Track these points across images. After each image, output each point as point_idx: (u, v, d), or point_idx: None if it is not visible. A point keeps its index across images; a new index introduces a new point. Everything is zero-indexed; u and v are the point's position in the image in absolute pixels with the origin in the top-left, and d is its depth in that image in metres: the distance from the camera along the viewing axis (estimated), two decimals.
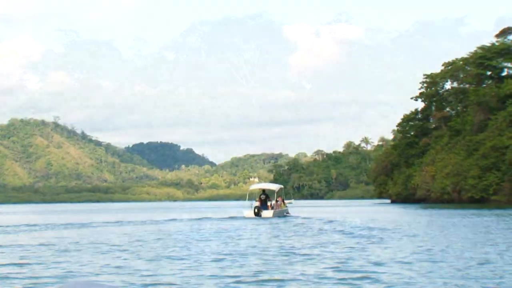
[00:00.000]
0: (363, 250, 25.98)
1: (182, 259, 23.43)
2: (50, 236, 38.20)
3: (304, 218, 59.04)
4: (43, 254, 25.73)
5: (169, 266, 21.09)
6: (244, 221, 53.73)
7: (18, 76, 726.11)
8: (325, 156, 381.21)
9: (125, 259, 23.37)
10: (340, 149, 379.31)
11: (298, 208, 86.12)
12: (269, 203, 62.78)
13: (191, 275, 18.73)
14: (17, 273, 19.49)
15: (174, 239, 33.90)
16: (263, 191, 65.39)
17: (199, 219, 59.83)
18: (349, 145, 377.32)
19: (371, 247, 27.56)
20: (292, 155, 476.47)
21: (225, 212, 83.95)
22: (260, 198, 63.36)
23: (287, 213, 65.51)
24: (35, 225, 52.02)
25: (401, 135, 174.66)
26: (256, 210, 60.44)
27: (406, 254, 23.86)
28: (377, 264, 20.95)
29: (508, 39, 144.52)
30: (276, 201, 64.44)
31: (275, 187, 68.25)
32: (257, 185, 72.13)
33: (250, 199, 66.74)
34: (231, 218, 60.43)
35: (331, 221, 51.50)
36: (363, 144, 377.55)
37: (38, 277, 18.48)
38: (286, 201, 69.12)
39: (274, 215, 60.75)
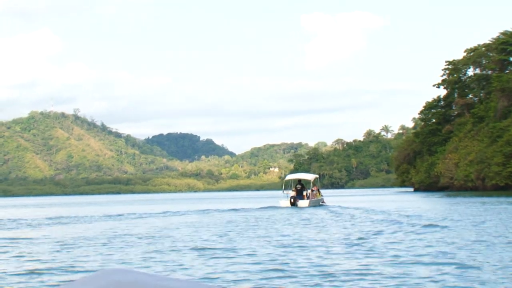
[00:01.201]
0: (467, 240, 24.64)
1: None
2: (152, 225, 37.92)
3: (343, 207, 58.28)
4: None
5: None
6: (298, 210, 54.02)
7: (37, 69, 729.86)
8: (345, 145, 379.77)
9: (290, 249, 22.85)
10: (360, 138, 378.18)
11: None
12: (304, 193, 62.98)
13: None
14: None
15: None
16: (299, 181, 65.46)
17: (236, 209, 59.49)
18: (369, 133, 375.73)
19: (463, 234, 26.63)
20: (311, 144, 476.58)
21: (259, 202, 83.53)
22: (296, 188, 63.62)
23: (323, 202, 65.84)
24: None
25: (423, 122, 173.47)
26: (292, 200, 60.92)
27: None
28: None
29: None
30: (312, 190, 64.67)
31: (310, 176, 68.53)
32: (292, 175, 72.02)
33: (286, 189, 66.53)
34: (271, 207, 60.58)
35: (373, 210, 50.88)
36: (383, 133, 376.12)
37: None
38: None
39: (310, 205, 61.07)
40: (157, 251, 22.48)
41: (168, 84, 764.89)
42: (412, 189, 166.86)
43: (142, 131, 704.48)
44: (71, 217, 51.36)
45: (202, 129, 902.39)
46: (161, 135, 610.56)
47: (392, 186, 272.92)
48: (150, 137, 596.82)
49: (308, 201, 61.52)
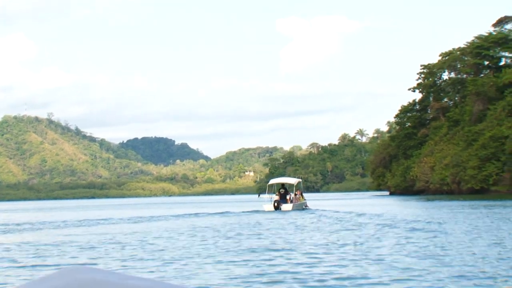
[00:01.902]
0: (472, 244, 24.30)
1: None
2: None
3: (328, 211, 58.11)
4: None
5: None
6: (283, 214, 54.04)
7: (11, 74, 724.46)
8: (320, 149, 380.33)
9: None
10: (335, 142, 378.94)
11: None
12: (288, 197, 63.55)
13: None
14: None
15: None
16: (282, 185, 66.15)
17: (222, 213, 60.16)
18: (344, 137, 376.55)
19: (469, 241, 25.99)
20: (287, 148, 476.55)
21: (242, 206, 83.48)
22: (279, 192, 64.21)
23: (306, 206, 66.09)
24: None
25: (398, 126, 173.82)
26: (275, 204, 61.39)
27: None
28: None
29: (505, 29, 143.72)
30: (295, 194, 65.22)
31: (293, 181, 69.20)
32: (276, 179, 72.68)
33: (269, 193, 67.30)
34: (255, 212, 60.41)
35: (361, 214, 50.71)
36: (358, 136, 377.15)
37: None
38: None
39: (294, 208, 61.50)
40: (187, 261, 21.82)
41: (144, 88, 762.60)
42: (387, 193, 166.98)
43: (116, 135, 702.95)
44: (43, 222, 50.58)
45: (177, 133, 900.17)
46: (136, 139, 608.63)
47: (367, 189, 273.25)
48: (125, 141, 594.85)
49: (291, 205, 61.92)
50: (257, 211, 60.54)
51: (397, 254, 21.03)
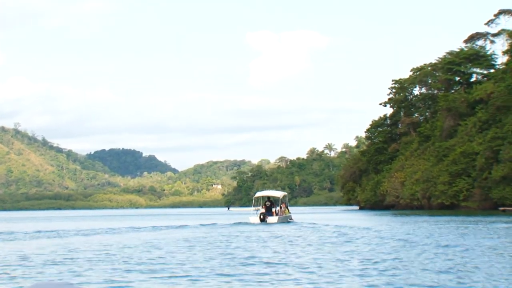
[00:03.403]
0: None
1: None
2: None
3: (313, 224, 58.66)
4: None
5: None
6: (270, 227, 54.96)
7: None
8: (288, 163, 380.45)
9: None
10: (304, 156, 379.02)
11: None
12: (273, 210, 64.51)
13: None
14: None
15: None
16: (268, 198, 67.18)
17: (210, 224, 61.32)
18: (312, 151, 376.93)
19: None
20: (255, 161, 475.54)
21: (225, 218, 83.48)
22: (265, 204, 65.16)
23: (291, 219, 66.96)
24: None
25: (369, 141, 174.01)
26: (261, 216, 62.56)
27: None
28: None
29: (476, 45, 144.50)
30: (280, 207, 66.05)
31: (279, 194, 70.34)
32: (262, 192, 73.46)
33: (255, 205, 68.81)
34: (239, 224, 61.33)
35: (342, 226, 52.04)
36: (326, 151, 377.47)
37: None
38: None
39: (279, 221, 62.56)
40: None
41: (112, 99, 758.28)
42: (357, 208, 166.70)
43: (84, 146, 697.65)
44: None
45: (144, 145, 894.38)
46: (103, 150, 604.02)
47: (335, 204, 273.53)
48: (92, 153, 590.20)
49: (277, 217, 62.89)
50: (245, 223, 61.33)
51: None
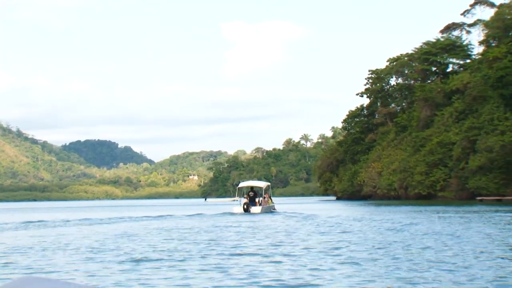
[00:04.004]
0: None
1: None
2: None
3: (308, 215, 57.83)
4: None
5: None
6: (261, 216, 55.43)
7: None
8: (264, 154, 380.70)
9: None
10: (280, 146, 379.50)
11: None
12: (257, 200, 64.90)
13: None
14: None
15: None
16: (251, 188, 67.30)
17: (198, 214, 61.67)
18: (288, 142, 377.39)
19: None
20: (231, 152, 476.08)
21: (211, 209, 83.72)
22: (248, 195, 65.33)
23: (274, 209, 67.81)
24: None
25: (345, 131, 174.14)
26: (245, 207, 62.73)
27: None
28: None
29: (453, 35, 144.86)
30: (264, 197, 66.54)
31: (262, 184, 70.50)
32: (246, 183, 73.91)
33: (239, 196, 69.64)
34: (226, 214, 61.62)
35: (332, 216, 51.60)
36: (302, 141, 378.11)
37: None
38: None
39: (262, 211, 62.87)
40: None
41: (87, 91, 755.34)
42: (334, 198, 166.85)
43: (59, 137, 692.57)
44: None
45: (120, 136, 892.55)
46: (78, 141, 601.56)
47: (311, 194, 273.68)
48: (67, 144, 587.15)
49: (260, 207, 63.24)
50: (229, 214, 61.76)
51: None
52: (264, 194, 67.47)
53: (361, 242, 26.47)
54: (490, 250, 22.03)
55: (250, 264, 19.48)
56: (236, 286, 15.68)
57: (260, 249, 24.36)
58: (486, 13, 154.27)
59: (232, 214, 61.43)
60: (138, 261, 20.76)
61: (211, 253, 23.03)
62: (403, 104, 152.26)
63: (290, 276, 16.78)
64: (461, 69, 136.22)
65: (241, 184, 72.30)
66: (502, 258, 19.57)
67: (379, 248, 23.26)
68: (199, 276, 17.17)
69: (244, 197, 65.74)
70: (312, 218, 50.42)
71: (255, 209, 62.70)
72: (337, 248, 23.71)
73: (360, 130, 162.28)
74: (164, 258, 21.47)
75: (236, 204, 65.81)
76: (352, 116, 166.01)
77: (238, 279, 16.56)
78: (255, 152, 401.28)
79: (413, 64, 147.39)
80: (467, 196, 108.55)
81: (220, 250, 23.99)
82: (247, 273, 17.63)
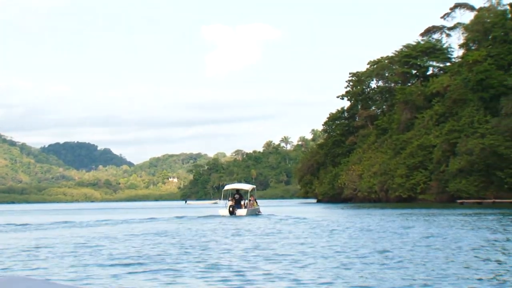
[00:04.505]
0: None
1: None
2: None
3: (297, 218, 57.66)
4: None
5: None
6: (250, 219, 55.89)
7: None
8: (245, 156, 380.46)
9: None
10: (260, 149, 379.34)
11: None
12: (242, 202, 65.40)
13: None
14: None
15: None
16: (237, 191, 67.95)
17: (181, 217, 62.18)
18: (269, 144, 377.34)
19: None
20: (211, 155, 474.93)
21: (193, 212, 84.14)
22: (234, 197, 65.82)
23: (259, 211, 67.89)
24: None
25: (326, 134, 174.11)
26: (230, 209, 63.26)
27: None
28: None
29: (433, 38, 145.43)
30: (249, 200, 67.15)
31: (248, 187, 71.50)
32: (231, 185, 74.54)
33: (224, 198, 69.88)
34: (210, 216, 61.82)
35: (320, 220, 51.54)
36: (282, 144, 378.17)
37: None
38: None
39: (248, 214, 63.38)
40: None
41: (66, 92, 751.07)
42: (315, 200, 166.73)
43: (38, 139, 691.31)
44: None
45: (99, 139, 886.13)
46: (57, 144, 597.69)
47: (291, 197, 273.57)
48: (46, 146, 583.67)
49: (246, 210, 63.69)
50: (215, 216, 62.09)
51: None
52: (250, 197, 68.08)
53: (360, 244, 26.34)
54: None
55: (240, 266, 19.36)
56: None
57: (247, 251, 24.28)
58: (466, 16, 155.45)
59: (217, 216, 61.64)
60: (127, 265, 20.55)
61: (200, 256, 22.93)
62: (384, 106, 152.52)
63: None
64: (441, 72, 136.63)
65: (227, 187, 72.67)
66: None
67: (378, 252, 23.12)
68: (184, 282, 17.00)
69: (230, 200, 66.07)
70: (298, 221, 50.46)
71: (241, 211, 63.11)
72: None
73: (341, 132, 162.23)
74: (149, 262, 21.27)
75: (222, 207, 66.32)
76: (333, 119, 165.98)
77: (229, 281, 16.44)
78: (235, 155, 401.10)
79: (394, 67, 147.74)
80: (447, 199, 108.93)
81: (208, 253, 23.92)
82: (237, 275, 17.58)
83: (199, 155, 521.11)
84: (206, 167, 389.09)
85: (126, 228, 43.20)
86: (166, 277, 17.68)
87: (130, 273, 18.73)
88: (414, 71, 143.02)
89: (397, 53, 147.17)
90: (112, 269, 19.62)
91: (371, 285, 15.94)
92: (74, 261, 22.13)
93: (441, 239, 28.73)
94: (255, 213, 66.18)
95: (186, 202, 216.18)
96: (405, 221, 45.41)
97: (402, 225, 40.43)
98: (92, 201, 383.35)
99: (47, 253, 25.45)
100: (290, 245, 27.25)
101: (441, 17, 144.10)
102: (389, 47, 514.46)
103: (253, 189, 70.89)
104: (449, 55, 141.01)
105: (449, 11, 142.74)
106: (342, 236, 32.56)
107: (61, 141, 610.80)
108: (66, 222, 56.11)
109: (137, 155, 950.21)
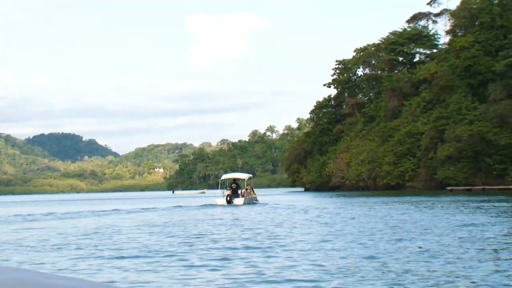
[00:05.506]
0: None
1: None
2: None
3: (290, 205, 58.59)
4: None
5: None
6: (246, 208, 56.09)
7: None
8: (230, 145, 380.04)
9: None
10: (246, 138, 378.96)
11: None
12: (239, 191, 65.80)
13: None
14: None
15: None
16: (234, 180, 68.65)
17: (178, 206, 63.33)
18: (254, 133, 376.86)
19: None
20: (196, 144, 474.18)
21: (191, 201, 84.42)
22: (231, 187, 66.55)
23: (256, 200, 68.74)
24: None
25: (313, 122, 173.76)
26: (228, 198, 63.89)
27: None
28: None
29: (419, 25, 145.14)
30: (246, 189, 67.60)
31: (245, 176, 72.36)
32: (228, 175, 74.71)
33: (221, 188, 70.26)
34: (208, 206, 62.35)
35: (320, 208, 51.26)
36: (268, 133, 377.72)
37: None
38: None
39: (245, 203, 63.79)
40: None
41: (50, 83, 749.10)
42: (302, 189, 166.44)
43: (22, 131, 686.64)
44: None
45: (84, 129, 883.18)
46: (42, 135, 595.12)
47: (278, 186, 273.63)
48: (31, 137, 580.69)
49: (243, 199, 64.13)
50: (213, 205, 62.41)
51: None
52: (246, 186, 68.60)
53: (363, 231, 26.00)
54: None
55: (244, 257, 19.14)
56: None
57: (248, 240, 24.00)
58: (452, 2, 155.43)
59: (215, 206, 62.11)
60: (125, 257, 20.07)
61: (200, 246, 22.60)
62: (371, 94, 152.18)
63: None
64: (428, 59, 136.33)
65: (224, 176, 73.02)
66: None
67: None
68: (184, 273, 16.50)
69: (227, 189, 66.64)
70: (289, 208, 50.96)
71: (238, 200, 63.64)
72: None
73: (328, 121, 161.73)
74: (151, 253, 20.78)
75: (219, 196, 66.64)
76: (320, 107, 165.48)
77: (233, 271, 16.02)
78: (220, 144, 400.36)
79: (380, 54, 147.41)
80: (435, 186, 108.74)
81: (207, 243, 23.76)
82: (245, 265, 17.35)
83: (184, 145, 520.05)
84: (192, 157, 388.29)
85: (137, 218, 42.96)
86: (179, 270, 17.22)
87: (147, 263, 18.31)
88: (401, 58, 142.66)
89: (383, 40, 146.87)
90: (123, 261, 19.13)
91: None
92: (67, 253, 21.59)
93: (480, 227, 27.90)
94: (252, 201, 66.75)
95: (173, 192, 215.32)
96: (431, 210, 44.00)
97: (435, 214, 39.22)
98: (78, 192, 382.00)
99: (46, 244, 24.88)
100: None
101: (427, 4, 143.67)
102: (375, 35, 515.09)
103: (249, 178, 71.46)
104: (436, 42, 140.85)
105: None
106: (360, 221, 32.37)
107: (46, 132, 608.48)
108: (68, 212, 55.51)
109: (122, 146, 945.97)
